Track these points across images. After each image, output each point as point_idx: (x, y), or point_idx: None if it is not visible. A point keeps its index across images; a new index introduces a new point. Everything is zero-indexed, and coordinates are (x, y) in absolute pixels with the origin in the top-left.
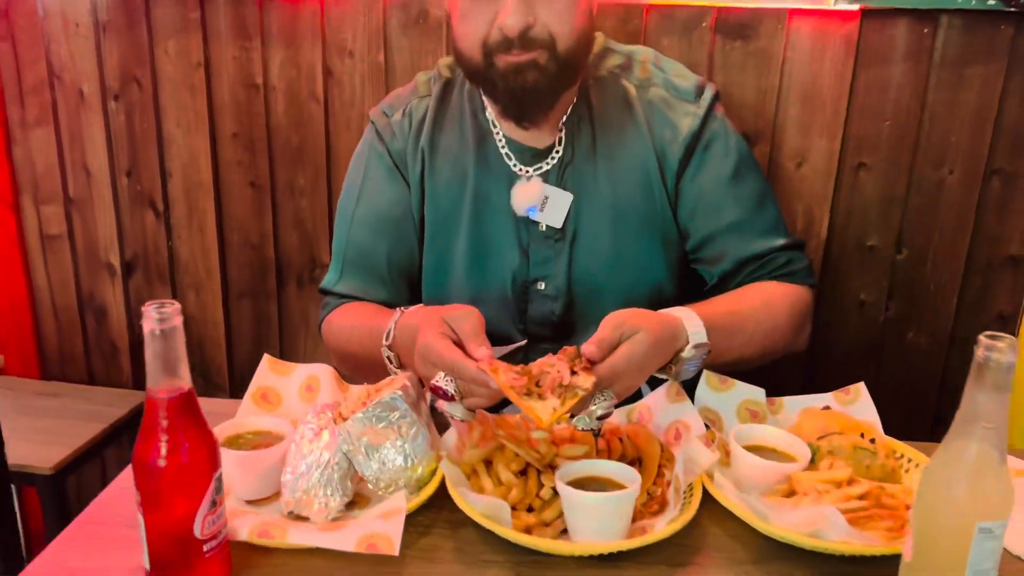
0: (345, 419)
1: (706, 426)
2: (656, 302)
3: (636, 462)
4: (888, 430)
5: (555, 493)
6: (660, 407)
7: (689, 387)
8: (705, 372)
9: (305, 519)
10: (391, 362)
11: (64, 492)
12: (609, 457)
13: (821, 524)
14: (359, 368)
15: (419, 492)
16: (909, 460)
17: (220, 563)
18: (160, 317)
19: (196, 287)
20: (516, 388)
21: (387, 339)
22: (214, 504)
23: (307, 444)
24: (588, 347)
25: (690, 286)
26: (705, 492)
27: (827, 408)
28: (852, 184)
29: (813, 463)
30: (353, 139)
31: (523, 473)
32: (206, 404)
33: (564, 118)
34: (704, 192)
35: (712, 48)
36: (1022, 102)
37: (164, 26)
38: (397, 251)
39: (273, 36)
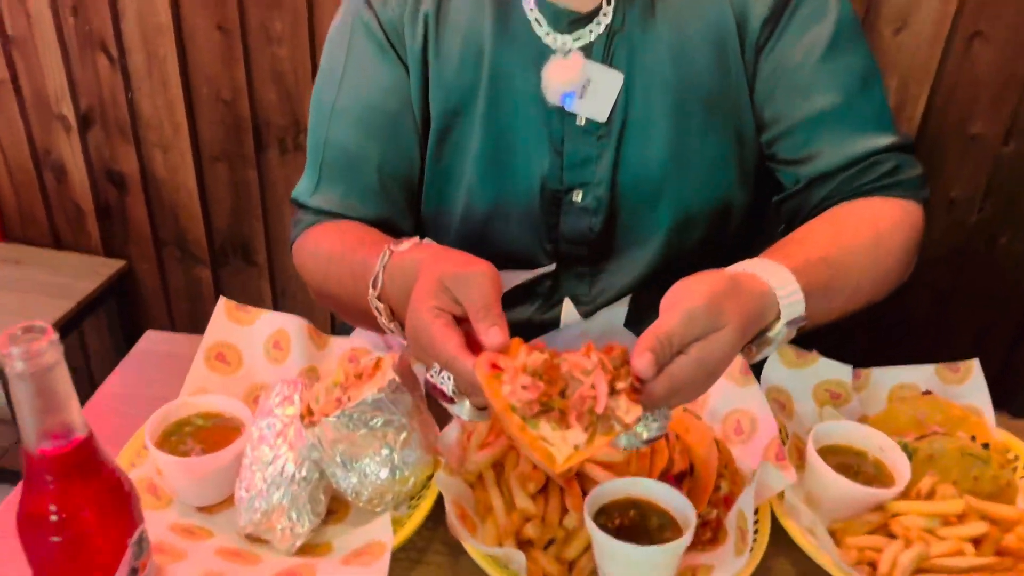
0: (315, 422)
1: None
2: (722, 217)
3: (687, 473)
4: (958, 349)
5: (582, 522)
6: (718, 388)
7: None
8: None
9: (267, 542)
10: (381, 314)
11: None
12: (652, 466)
13: None
14: (342, 310)
15: (410, 511)
16: None
17: None
18: (27, 355)
19: (163, 146)
20: (522, 406)
21: (374, 287)
22: (134, 573)
23: (266, 450)
24: (641, 359)
25: (760, 194)
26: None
27: (928, 393)
28: (962, 57)
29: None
30: None
31: (543, 490)
32: (162, 343)
33: None
34: (791, 67)
35: None
36: None
37: None
38: (390, 154)
39: None
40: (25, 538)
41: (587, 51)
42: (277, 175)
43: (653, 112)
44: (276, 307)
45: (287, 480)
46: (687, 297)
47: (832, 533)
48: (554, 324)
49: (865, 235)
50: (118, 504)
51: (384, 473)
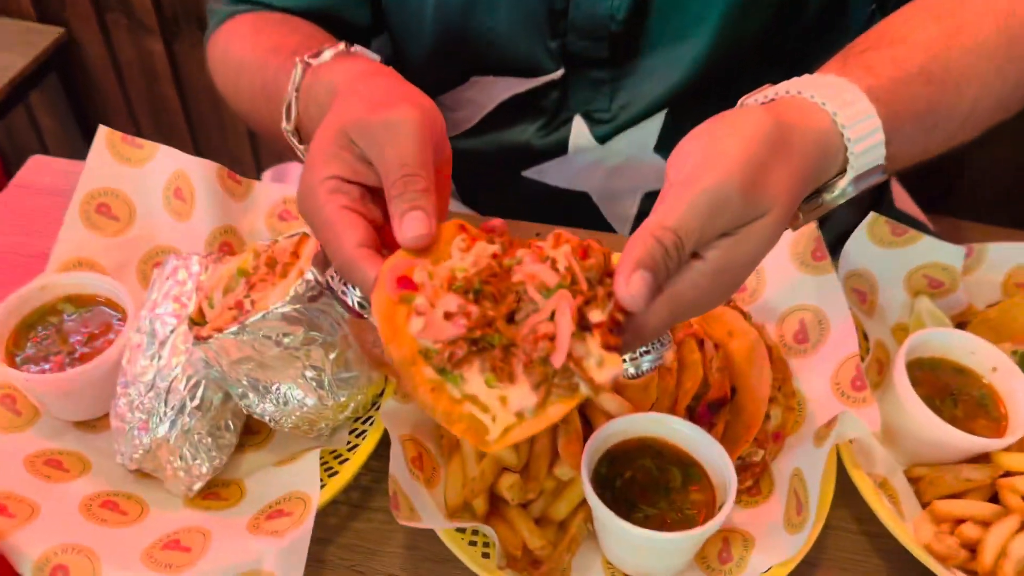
0: (205, 336)
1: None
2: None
3: (726, 399)
4: None
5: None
6: (777, 275)
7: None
8: (870, 216)
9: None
10: (299, 152)
11: None
12: (679, 388)
13: None
14: (264, 136)
15: (353, 441)
16: None
17: None
18: None
19: None
20: (442, 350)
21: (287, 116)
22: None
23: (144, 363)
24: (631, 284)
25: None
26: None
27: None
28: None
29: None
30: None
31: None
32: (48, 174)
33: None
34: None
35: None
36: None
37: None
38: None
39: None
40: None
41: None
42: None
43: None
44: None
45: (175, 408)
46: (710, 164)
47: (914, 481)
48: (560, 150)
49: (991, 26)
50: None
51: (311, 400)
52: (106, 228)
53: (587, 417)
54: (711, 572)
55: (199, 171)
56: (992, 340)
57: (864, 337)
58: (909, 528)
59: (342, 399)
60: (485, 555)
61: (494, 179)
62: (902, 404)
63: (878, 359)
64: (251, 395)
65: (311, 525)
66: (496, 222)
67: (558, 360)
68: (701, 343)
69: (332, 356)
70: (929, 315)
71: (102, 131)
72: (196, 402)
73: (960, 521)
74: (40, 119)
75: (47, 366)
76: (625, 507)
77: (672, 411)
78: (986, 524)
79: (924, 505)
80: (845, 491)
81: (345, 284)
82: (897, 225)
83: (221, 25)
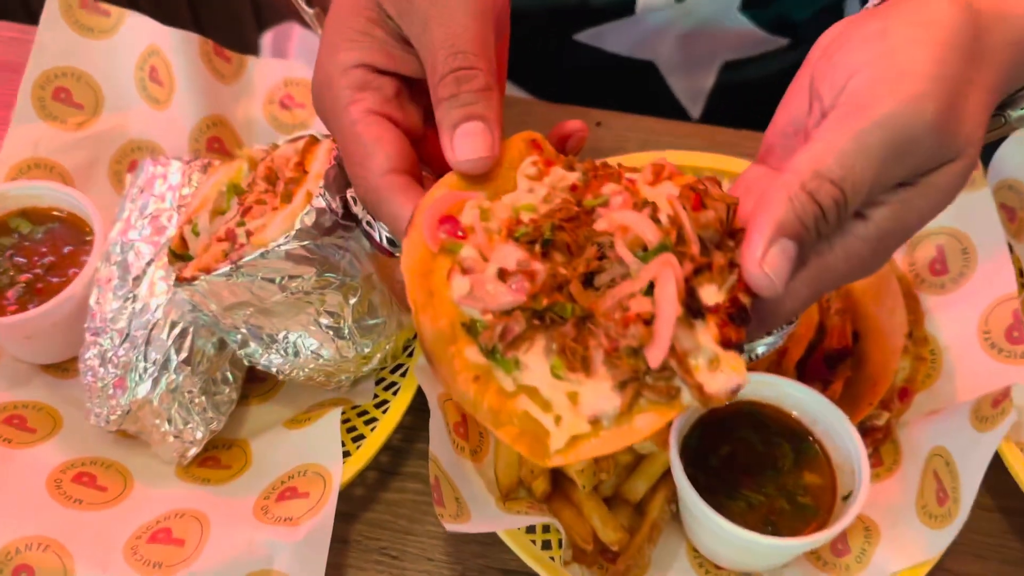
0: (188, 278)
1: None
2: None
3: (848, 351)
4: None
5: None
6: None
7: None
8: None
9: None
10: (307, 6)
11: None
12: (790, 338)
13: None
14: None
15: (381, 397)
16: None
17: None
18: None
19: None
20: (493, 323)
21: None
22: None
23: (115, 304)
24: (770, 257)
25: None
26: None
27: None
28: None
29: None
30: None
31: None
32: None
33: None
34: None
35: None
36: None
37: None
38: None
39: None
40: None
41: None
42: None
43: None
44: None
45: (158, 363)
46: (889, 84)
47: None
48: (624, 8)
49: None
50: None
51: (327, 351)
52: (67, 119)
53: None
54: (823, 567)
55: (178, 45)
56: None
57: (1020, 273)
58: None
59: (366, 350)
60: (545, 544)
61: (538, 45)
62: None
63: None
64: (252, 344)
65: (333, 511)
66: (573, 125)
67: (655, 356)
68: None
69: (353, 301)
70: None
71: None
72: (184, 355)
73: None
74: None
75: None
76: (722, 492)
77: (779, 368)
78: None
79: None
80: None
81: (372, 217)
82: None
83: None
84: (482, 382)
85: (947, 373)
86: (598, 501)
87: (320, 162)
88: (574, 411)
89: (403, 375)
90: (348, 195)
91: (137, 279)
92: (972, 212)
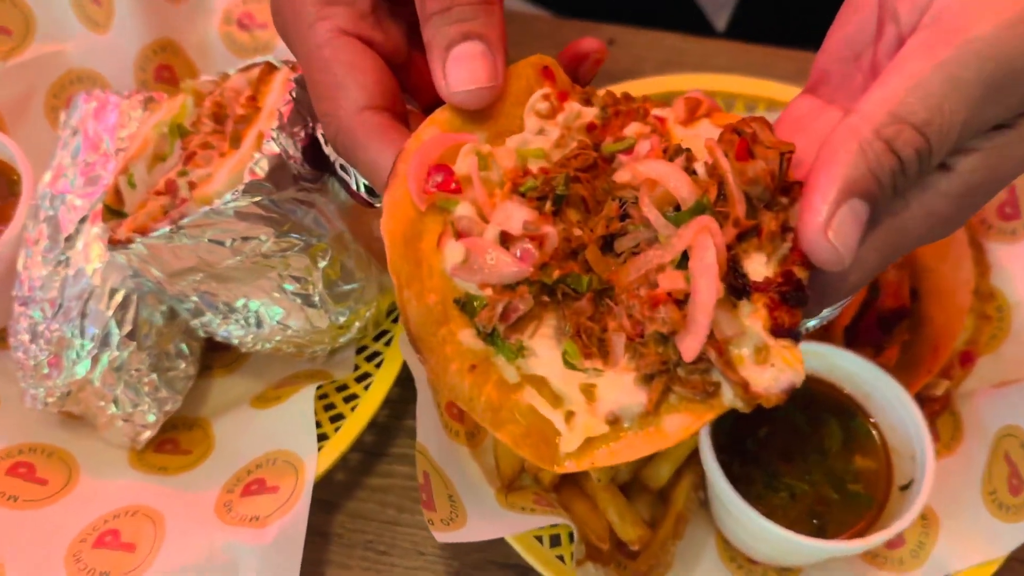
0: (122, 240)
1: None
2: None
3: (905, 310)
4: None
5: None
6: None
7: None
8: None
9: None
10: None
11: None
12: None
13: None
14: None
15: (363, 380)
16: None
17: None
18: None
19: None
20: (494, 300)
21: None
22: None
23: (55, 272)
24: (840, 222)
25: None
26: None
27: None
28: None
29: None
30: None
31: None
32: None
33: None
34: None
35: None
36: None
37: None
38: None
39: None
40: None
41: None
42: None
43: None
44: None
45: (97, 338)
46: (973, 17)
47: None
48: None
49: None
50: None
51: (296, 321)
52: None
53: None
54: (873, 560)
55: None
56: None
57: None
58: None
59: (342, 319)
60: (554, 540)
61: None
62: None
63: None
64: (207, 313)
65: (306, 508)
66: (589, 44)
67: (690, 347)
68: None
69: (322, 264)
70: None
71: None
72: (127, 327)
73: None
74: None
75: None
76: (760, 481)
77: (825, 332)
78: None
79: None
80: None
81: (345, 164)
82: None
83: None
84: (479, 372)
85: (1016, 333)
86: (615, 492)
87: (275, 96)
88: (590, 408)
89: (388, 344)
90: (318, 132)
91: (70, 239)
92: None
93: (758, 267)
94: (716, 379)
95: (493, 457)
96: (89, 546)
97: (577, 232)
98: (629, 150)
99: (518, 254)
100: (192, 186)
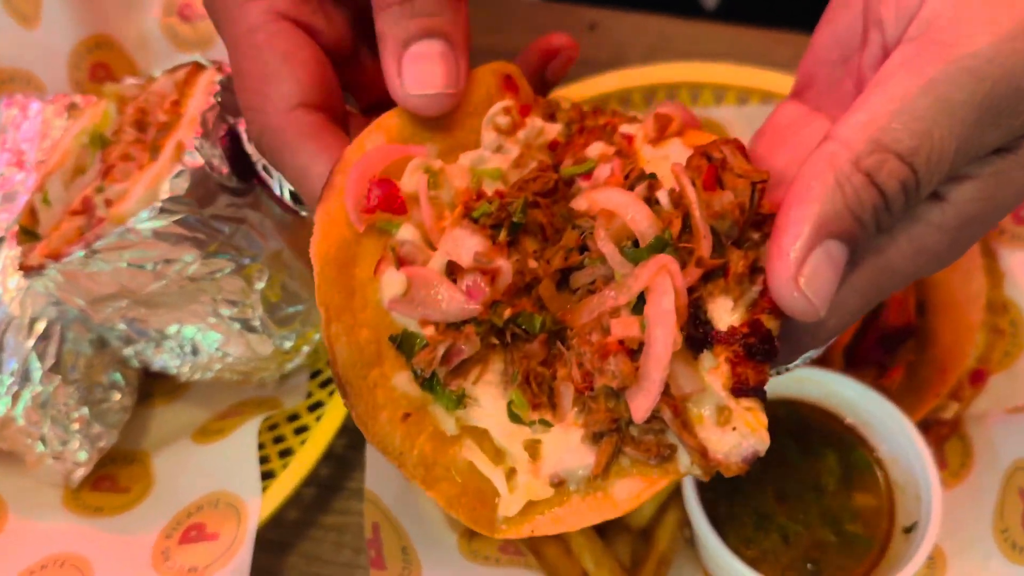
0: (35, 266)
1: None
2: None
3: (911, 327)
4: None
5: None
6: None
7: None
8: None
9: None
10: None
11: None
12: None
13: None
14: None
15: (315, 409)
16: None
17: None
18: None
19: None
20: (439, 334)
21: None
22: None
23: None
24: (813, 268)
25: None
26: None
27: None
28: None
29: None
30: None
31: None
32: None
33: None
34: None
35: None
36: None
37: None
38: None
39: None
40: None
41: None
42: None
43: None
44: None
45: (17, 373)
46: (980, 6)
47: None
48: None
49: None
50: None
51: (235, 348)
52: None
53: None
54: None
55: None
56: None
57: None
58: None
59: (287, 344)
60: None
61: None
62: None
63: None
64: (139, 342)
65: (248, 558)
66: (558, 40)
67: (640, 407)
68: None
69: (259, 286)
70: None
71: None
72: (50, 361)
73: None
74: None
75: None
76: (749, 523)
77: (823, 354)
78: None
79: None
80: None
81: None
82: None
83: None
84: (413, 422)
85: None
86: (590, 535)
87: (197, 100)
88: (533, 468)
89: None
90: (240, 128)
91: None
92: None
93: (723, 313)
94: (672, 441)
95: None
96: None
97: (532, 264)
98: (588, 174)
99: (466, 289)
100: (109, 204)
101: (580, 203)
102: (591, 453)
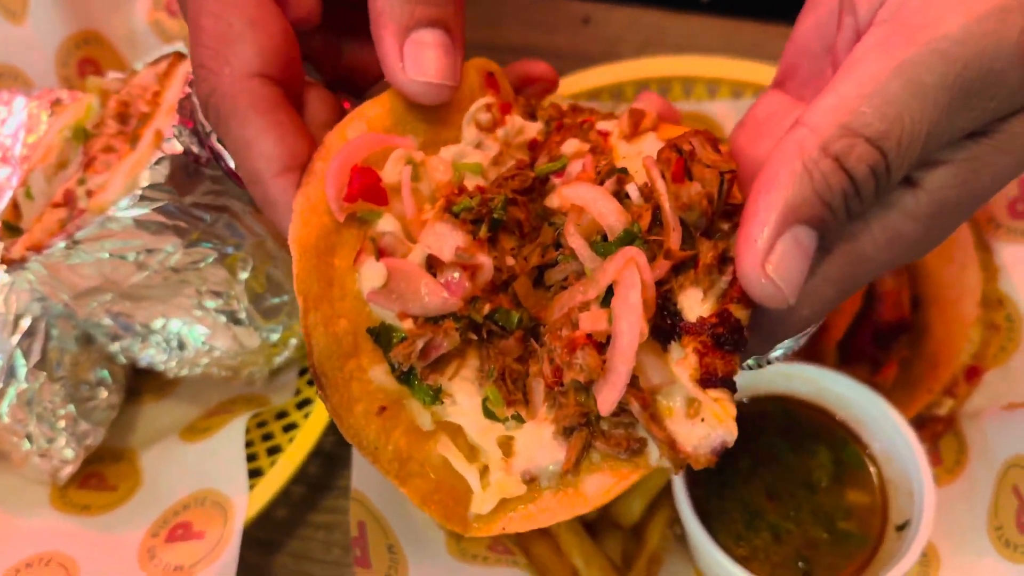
0: (16, 259)
1: None
2: None
3: (906, 323)
4: None
5: None
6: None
7: None
8: None
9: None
10: None
11: None
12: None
13: None
14: None
15: (303, 406)
16: None
17: None
18: None
19: None
20: (418, 328)
21: None
22: None
23: None
24: (780, 255)
25: None
26: None
27: None
28: None
29: None
30: None
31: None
32: None
33: None
34: None
35: None
36: None
37: None
38: None
39: None
40: None
41: None
42: None
43: None
44: None
45: (3, 371)
46: (937, 12)
47: None
48: None
49: None
50: None
51: (222, 341)
52: None
53: None
54: None
55: None
56: None
57: None
58: None
59: (274, 336)
60: None
61: None
62: None
63: None
64: (125, 337)
65: (235, 557)
66: (539, 70)
67: (607, 399)
68: None
69: (243, 276)
70: None
71: None
72: (35, 357)
73: None
74: None
75: None
76: (740, 520)
77: (815, 349)
78: None
79: None
80: None
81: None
82: None
83: None
84: (388, 416)
85: None
86: (580, 533)
87: (175, 89)
88: (506, 465)
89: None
90: (193, 96)
91: None
92: None
93: (694, 304)
94: (642, 435)
95: None
96: None
97: (510, 261)
98: (562, 171)
99: (446, 283)
100: (91, 195)
101: (554, 200)
102: (562, 448)
